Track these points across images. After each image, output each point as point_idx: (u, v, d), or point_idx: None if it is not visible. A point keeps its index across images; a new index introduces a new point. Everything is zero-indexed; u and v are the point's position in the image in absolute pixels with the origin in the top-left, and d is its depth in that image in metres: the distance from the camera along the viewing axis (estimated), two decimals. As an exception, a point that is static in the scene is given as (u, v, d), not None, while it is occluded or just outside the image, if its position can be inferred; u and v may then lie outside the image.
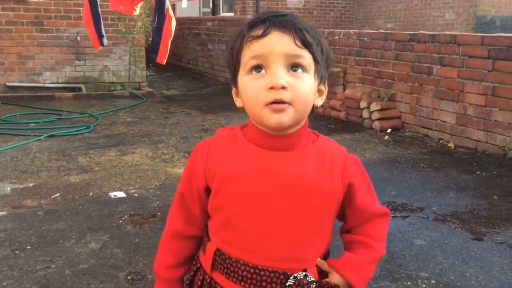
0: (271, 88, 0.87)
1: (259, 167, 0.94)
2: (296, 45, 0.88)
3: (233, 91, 1.01)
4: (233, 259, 0.96)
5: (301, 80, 0.89)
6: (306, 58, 0.90)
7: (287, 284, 0.93)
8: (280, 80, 0.87)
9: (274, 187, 0.93)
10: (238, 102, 0.99)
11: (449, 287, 2.20)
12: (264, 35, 0.88)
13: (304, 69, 0.90)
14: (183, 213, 1.04)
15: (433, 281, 2.24)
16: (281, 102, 0.87)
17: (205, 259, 1.01)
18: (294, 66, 0.89)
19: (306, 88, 0.90)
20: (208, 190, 1.00)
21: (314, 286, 0.95)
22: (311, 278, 0.95)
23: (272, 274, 0.94)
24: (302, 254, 0.96)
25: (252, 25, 0.91)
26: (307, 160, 0.95)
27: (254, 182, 0.93)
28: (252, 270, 0.94)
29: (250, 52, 0.90)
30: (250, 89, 0.91)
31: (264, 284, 0.94)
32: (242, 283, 0.95)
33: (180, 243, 1.06)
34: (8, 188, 3.35)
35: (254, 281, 0.94)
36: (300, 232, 0.95)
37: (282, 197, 0.93)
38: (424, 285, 2.21)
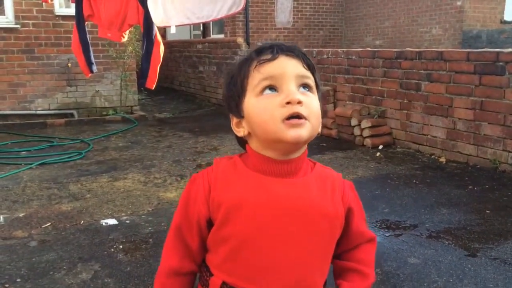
0: (288, 103, 0.89)
1: (266, 195, 0.93)
2: (304, 67, 0.94)
3: (233, 122, 0.99)
4: None
5: (311, 98, 0.93)
6: (312, 79, 0.95)
7: None
8: (297, 95, 0.90)
9: (283, 214, 0.92)
10: (241, 132, 0.97)
11: (444, 306, 2.19)
12: (274, 58, 0.92)
13: (311, 89, 0.95)
14: (180, 248, 1.00)
15: (428, 301, 2.23)
16: (298, 116, 0.89)
17: None
18: (303, 86, 0.93)
19: (317, 106, 0.94)
20: (209, 222, 0.97)
21: None
22: None
23: None
24: (312, 280, 0.96)
25: (259, 51, 0.95)
26: (311, 186, 0.96)
27: (262, 210, 0.92)
28: None
29: (260, 75, 0.92)
30: (263, 107, 0.91)
31: None
32: None
33: (177, 281, 1.01)
34: (-2, 219, 3.32)
35: None
36: (310, 258, 0.95)
37: (291, 224, 0.93)
38: (419, 305, 2.20)
